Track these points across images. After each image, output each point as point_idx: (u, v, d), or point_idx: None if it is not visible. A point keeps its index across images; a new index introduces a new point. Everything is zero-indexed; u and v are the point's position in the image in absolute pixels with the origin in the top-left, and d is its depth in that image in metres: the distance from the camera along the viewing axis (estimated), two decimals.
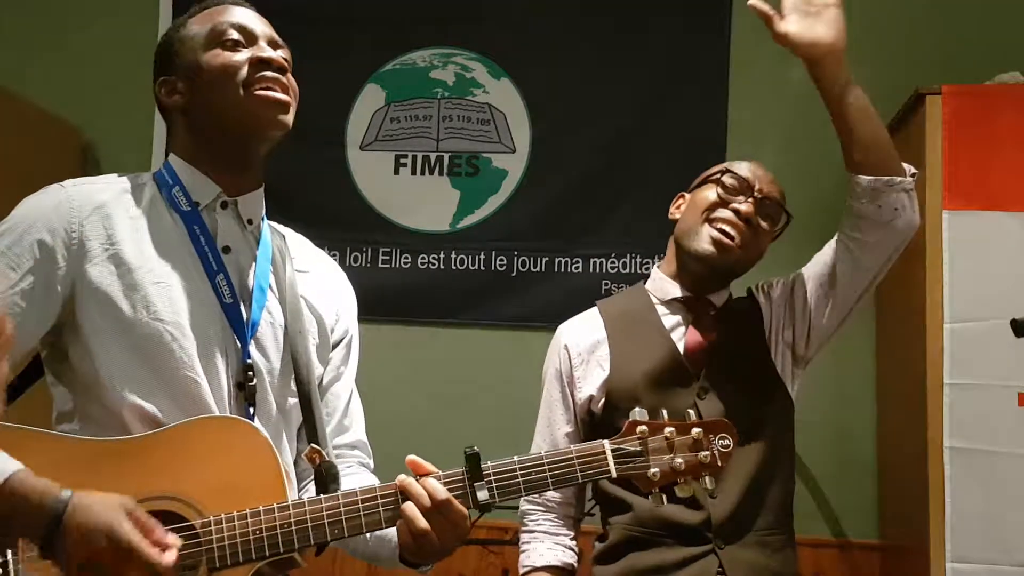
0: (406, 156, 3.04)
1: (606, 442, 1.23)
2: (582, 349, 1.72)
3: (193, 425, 1.18)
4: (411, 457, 1.21)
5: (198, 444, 1.17)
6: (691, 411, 1.28)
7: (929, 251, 2.25)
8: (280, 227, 1.41)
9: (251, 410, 1.24)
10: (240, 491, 1.15)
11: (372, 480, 1.37)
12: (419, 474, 1.19)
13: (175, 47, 1.30)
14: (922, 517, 2.19)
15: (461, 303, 2.96)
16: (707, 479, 1.24)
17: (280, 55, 1.29)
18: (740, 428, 1.35)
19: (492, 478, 1.19)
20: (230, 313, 1.24)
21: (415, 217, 3.01)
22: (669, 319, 1.72)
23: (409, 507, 1.15)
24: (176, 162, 1.30)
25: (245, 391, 1.24)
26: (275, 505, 1.14)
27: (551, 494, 1.70)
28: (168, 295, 1.21)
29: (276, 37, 1.32)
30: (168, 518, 1.12)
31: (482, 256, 2.98)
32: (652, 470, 1.22)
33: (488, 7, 3.06)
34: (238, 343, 1.24)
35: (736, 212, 1.64)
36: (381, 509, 1.17)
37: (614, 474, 1.22)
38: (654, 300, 1.75)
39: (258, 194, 1.34)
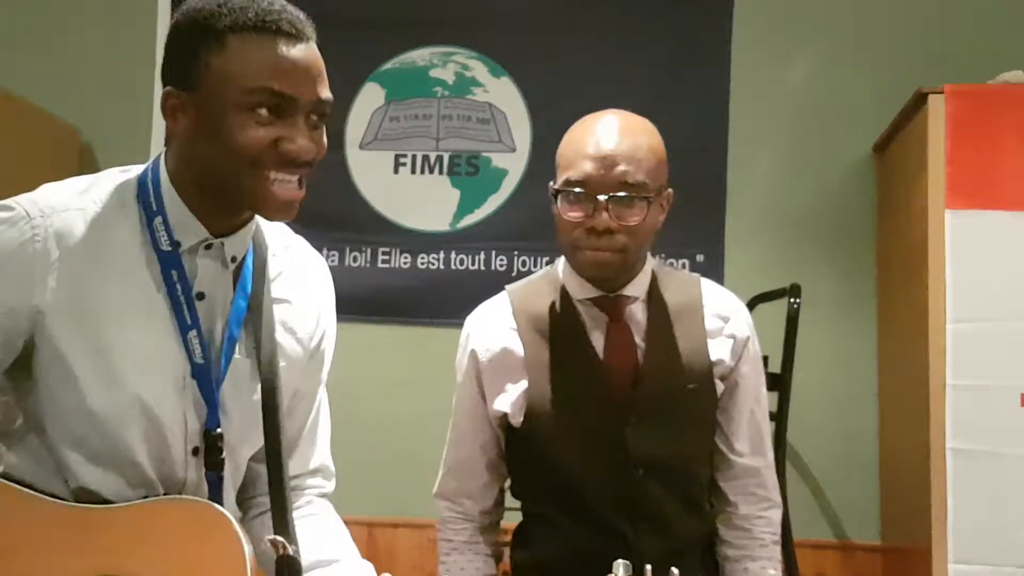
0: (406, 155, 3.03)
1: None
2: (492, 355, 1.55)
3: (159, 505, 1.12)
4: None
5: (161, 525, 1.09)
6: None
7: (931, 251, 2.23)
8: (265, 235, 1.28)
9: (215, 476, 1.18)
10: None
11: (327, 519, 1.30)
12: None
13: (201, 65, 1.09)
14: (924, 518, 2.18)
15: (461, 303, 2.94)
16: None
17: (315, 144, 1.18)
18: (667, 459, 1.41)
19: None
20: (199, 375, 1.15)
21: (415, 217, 2.99)
22: (588, 321, 1.52)
23: None
24: (165, 185, 1.16)
25: (208, 457, 1.17)
26: None
27: (470, 502, 1.61)
28: (134, 358, 1.12)
29: (322, 93, 1.20)
30: None
31: (482, 256, 2.97)
32: None
33: (488, 6, 3.04)
34: (205, 407, 1.16)
35: (594, 231, 1.42)
36: None
37: None
38: (571, 296, 1.54)
39: (247, 229, 1.21)
